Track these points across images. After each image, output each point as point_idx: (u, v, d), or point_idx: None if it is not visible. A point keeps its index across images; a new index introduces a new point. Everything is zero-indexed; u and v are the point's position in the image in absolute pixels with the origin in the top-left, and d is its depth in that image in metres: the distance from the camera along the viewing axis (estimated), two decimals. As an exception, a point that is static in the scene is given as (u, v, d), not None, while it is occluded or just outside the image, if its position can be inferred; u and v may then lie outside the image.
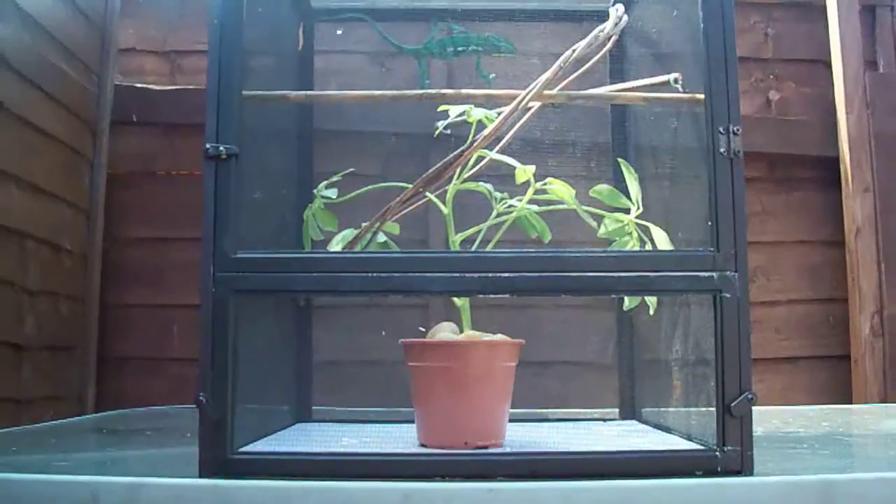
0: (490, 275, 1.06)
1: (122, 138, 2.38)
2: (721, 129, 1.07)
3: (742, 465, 1.02)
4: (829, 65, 2.51)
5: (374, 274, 1.06)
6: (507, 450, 1.18)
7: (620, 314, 1.62)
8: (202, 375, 1.03)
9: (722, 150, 1.06)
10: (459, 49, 1.52)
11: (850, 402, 2.36)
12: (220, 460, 1.02)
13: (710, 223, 1.07)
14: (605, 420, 1.60)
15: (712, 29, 1.11)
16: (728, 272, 1.05)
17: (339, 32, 1.63)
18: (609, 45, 1.48)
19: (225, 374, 1.03)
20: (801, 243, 2.48)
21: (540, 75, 1.25)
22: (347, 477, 1.01)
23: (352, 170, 1.43)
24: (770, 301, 2.45)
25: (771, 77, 2.56)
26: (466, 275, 1.06)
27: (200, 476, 1.02)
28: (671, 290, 1.08)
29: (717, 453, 1.03)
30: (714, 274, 1.05)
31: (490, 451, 1.16)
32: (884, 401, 2.31)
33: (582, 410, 1.80)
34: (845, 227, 2.43)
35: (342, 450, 1.20)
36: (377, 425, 1.49)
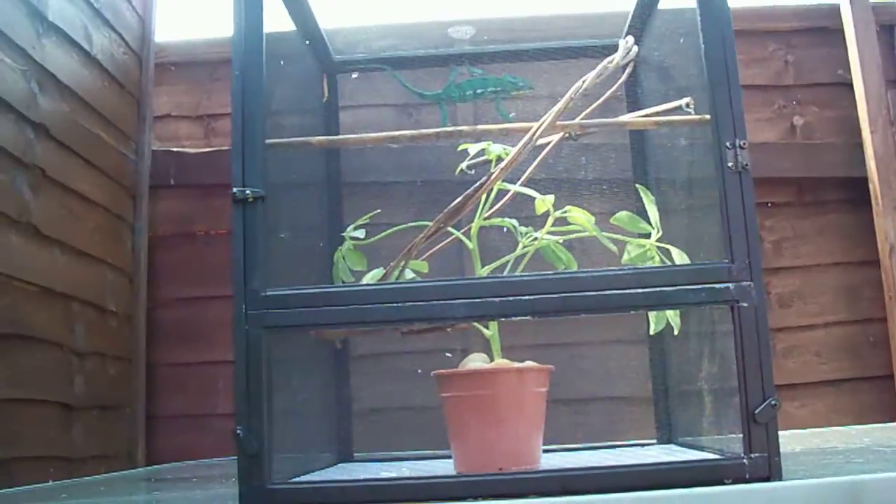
0: (511, 298, 1.08)
1: (160, 201, 2.46)
2: (728, 144, 1.10)
3: (770, 472, 1.03)
4: (850, 86, 2.53)
5: (399, 304, 1.09)
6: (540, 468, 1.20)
7: (652, 343, 1.63)
8: (237, 409, 1.06)
9: (730, 164, 1.09)
10: (478, 91, 1.55)
11: (899, 421, 2.33)
12: (258, 491, 1.05)
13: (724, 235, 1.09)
14: (643, 445, 1.61)
15: (713, 50, 1.14)
16: (744, 282, 1.06)
17: (354, 76, 1.67)
18: (624, 76, 1.52)
19: (260, 408, 1.06)
20: (836, 265, 2.48)
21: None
22: (385, 502, 1.04)
23: (378, 210, 1.46)
24: (808, 325, 2.44)
25: (794, 103, 2.58)
26: (488, 300, 1.08)
27: (241, 508, 1.05)
28: (689, 302, 1.09)
29: (745, 461, 1.03)
30: (730, 285, 1.07)
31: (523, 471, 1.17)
32: (932, 416, 2.29)
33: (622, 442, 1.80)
34: (879, 246, 2.42)
35: (379, 476, 1.22)
36: (416, 462, 1.51)
